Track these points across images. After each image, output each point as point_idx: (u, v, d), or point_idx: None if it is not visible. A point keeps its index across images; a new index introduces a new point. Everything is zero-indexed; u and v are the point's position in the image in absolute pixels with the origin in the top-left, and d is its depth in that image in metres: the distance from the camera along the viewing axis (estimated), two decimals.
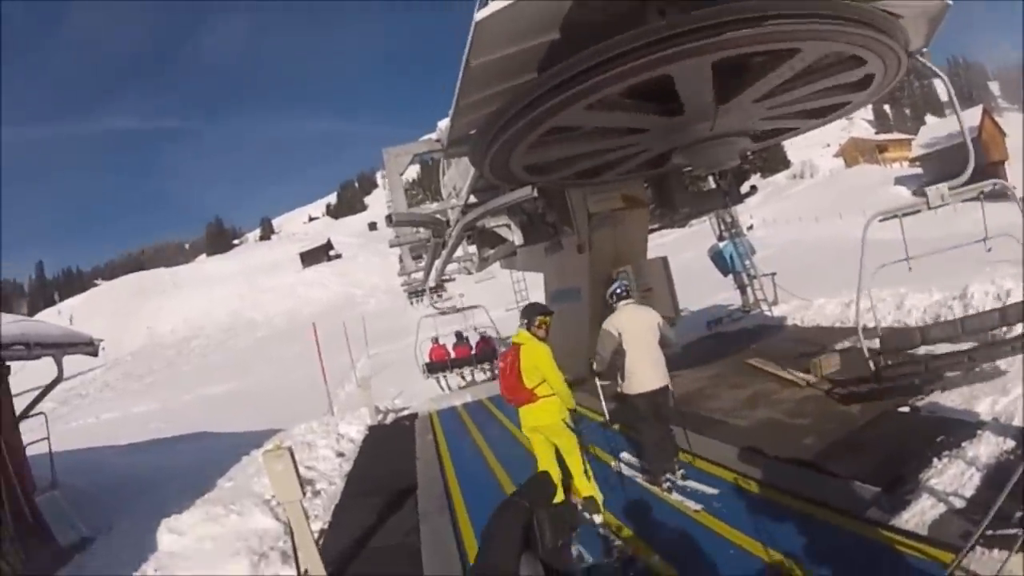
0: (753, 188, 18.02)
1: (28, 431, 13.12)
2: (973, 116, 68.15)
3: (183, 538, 9.89)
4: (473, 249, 21.02)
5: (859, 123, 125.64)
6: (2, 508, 10.69)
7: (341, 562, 8.57)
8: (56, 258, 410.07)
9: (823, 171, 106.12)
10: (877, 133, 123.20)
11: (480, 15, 7.69)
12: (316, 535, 9.14)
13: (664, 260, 15.26)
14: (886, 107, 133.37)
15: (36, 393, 13.39)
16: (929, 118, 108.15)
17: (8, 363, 12.59)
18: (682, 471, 8.78)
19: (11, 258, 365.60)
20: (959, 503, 6.26)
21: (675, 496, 8.32)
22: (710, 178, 17.19)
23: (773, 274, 22.11)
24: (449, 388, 21.50)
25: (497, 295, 25.81)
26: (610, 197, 15.15)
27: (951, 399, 9.11)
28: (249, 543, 9.50)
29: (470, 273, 23.63)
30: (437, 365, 22.54)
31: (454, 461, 12.53)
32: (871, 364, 10.20)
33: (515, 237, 13.76)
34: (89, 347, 14.39)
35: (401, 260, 21.76)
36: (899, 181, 78.68)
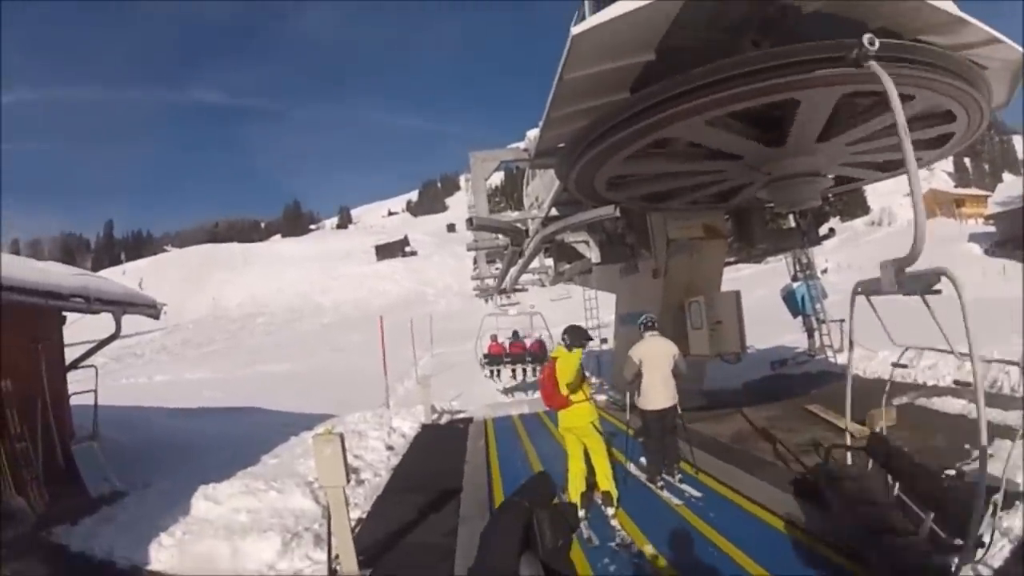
0: (831, 231, 17.66)
1: (76, 382, 13.43)
2: None
3: (218, 506, 9.97)
4: (549, 262, 21.12)
5: (939, 175, 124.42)
6: (35, 451, 11.07)
7: (374, 553, 8.55)
8: (128, 220, 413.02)
9: (900, 220, 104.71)
10: (956, 187, 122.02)
11: (577, 29, 7.71)
12: (353, 524, 9.15)
13: (737, 295, 15.04)
14: (966, 160, 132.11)
15: (89, 346, 13.55)
16: (1006, 175, 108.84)
17: (65, 314, 13.03)
18: (679, 475, 10.52)
19: (82, 213, 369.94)
20: (986, 572, 6.21)
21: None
22: (790, 217, 17.05)
23: (842, 320, 21.45)
24: (500, 379, 22.89)
25: (569, 312, 23.37)
26: (691, 225, 15.03)
27: (997, 467, 8.59)
28: (284, 521, 9.53)
29: (543, 285, 23.65)
30: (493, 358, 24.76)
31: (502, 468, 12.44)
32: None
33: (592, 254, 13.73)
34: (151, 309, 14.72)
35: (476, 263, 21.75)
36: (972, 238, 77.95)
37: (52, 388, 12.24)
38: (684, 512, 9.15)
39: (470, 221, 10.23)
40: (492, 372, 24.83)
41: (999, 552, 6.47)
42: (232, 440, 15.78)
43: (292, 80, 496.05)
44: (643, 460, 11.12)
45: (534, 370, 23.37)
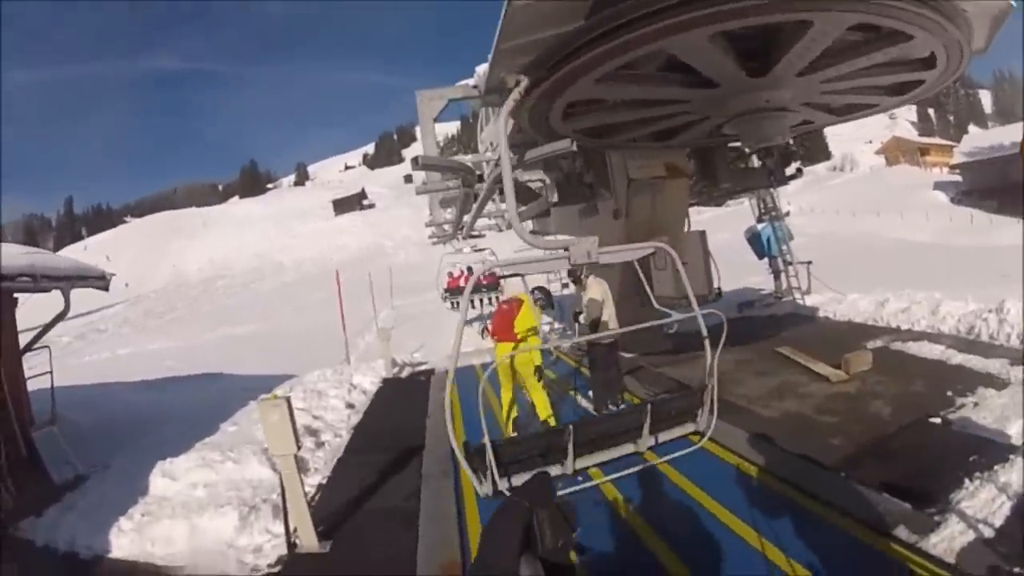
0: (799, 170, 17.18)
1: (36, 366, 12.92)
2: (1016, 132, 65.92)
3: (175, 483, 9.71)
4: (505, 207, 20.76)
5: (903, 123, 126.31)
6: None
7: (334, 522, 8.23)
8: (87, 195, 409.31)
9: (863, 166, 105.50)
10: (920, 135, 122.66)
11: None
12: (313, 490, 9.17)
13: (702, 234, 14.91)
14: (930, 111, 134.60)
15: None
16: (972, 128, 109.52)
17: (16, 295, 12.47)
18: (624, 405, 11.46)
19: (41, 193, 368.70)
20: (988, 532, 5.94)
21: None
22: (753, 157, 16.86)
23: (809, 263, 21.62)
24: (460, 308, 22.04)
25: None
26: (652, 164, 14.60)
27: (983, 415, 8.80)
28: (241, 493, 9.23)
29: (500, 230, 23.24)
30: (452, 291, 27.75)
31: (465, 422, 11.58)
32: None
33: (550, 194, 13.18)
34: (100, 281, 14.16)
35: (431, 211, 21.26)
36: (938, 186, 78.52)
37: (8, 373, 11.65)
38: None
39: (416, 161, 9.56)
40: (452, 304, 27.73)
41: (998, 509, 6.21)
42: (191, 410, 15.49)
43: (243, 41, 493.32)
44: (590, 393, 12.17)
45: (490, 300, 25.93)
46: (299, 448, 7.38)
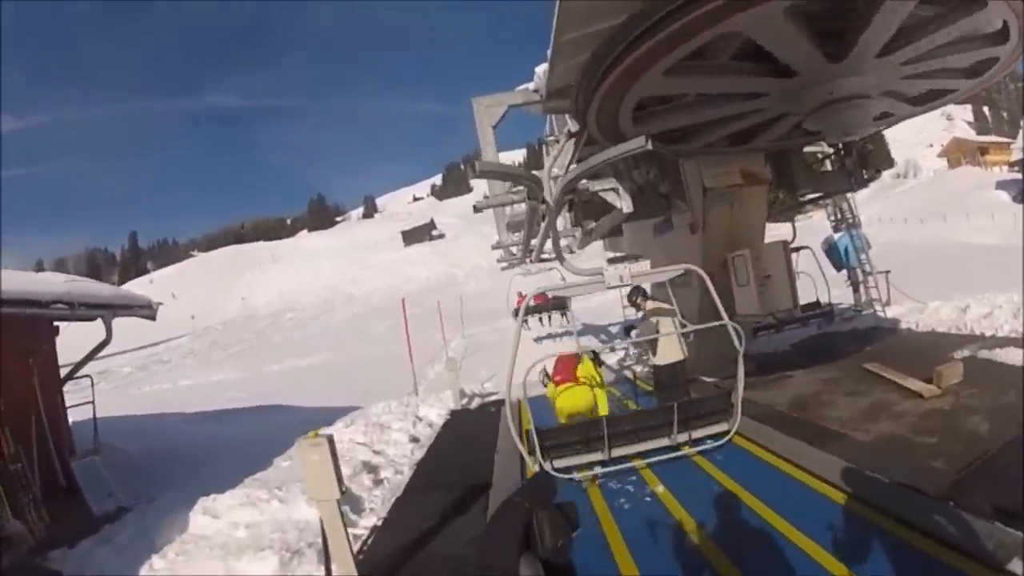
0: (877, 171, 16.13)
1: (99, 394, 13.22)
2: None
3: (216, 521, 9.22)
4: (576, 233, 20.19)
5: (960, 124, 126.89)
6: (32, 471, 10.53)
7: (388, 569, 7.48)
8: (152, 230, 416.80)
9: (926, 171, 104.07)
10: (977, 135, 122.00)
11: None
12: (367, 533, 8.55)
13: (785, 244, 13.98)
14: (985, 109, 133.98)
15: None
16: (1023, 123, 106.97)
17: (57, 323, 12.57)
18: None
19: (105, 227, 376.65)
20: None
21: None
22: (827, 162, 16.16)
23: (887, 272, 20.77)
24: (528, 326, 25.46)
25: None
26: (728, 171, 13.62)
27: None
28: (286, 536, 8.61)
29: (572, 252, 22.52)
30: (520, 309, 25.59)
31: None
32: None
33: (623, 204, 12.13)
34: (146, 310, 14.02)
35: (498, 232, 20.41)
36: (1000, 185, 76.44)
37: (47, 403, 11.68)
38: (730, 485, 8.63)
39: (474, 167, 8.65)
40: (523, 321, 26.62)
41: None
42: (246, 442, 15.22)
43: (306, 75, 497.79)
44: None
45: (550, 317, 30.09)
46: (343, 492, 6.55)
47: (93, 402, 12.96)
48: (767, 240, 15.05)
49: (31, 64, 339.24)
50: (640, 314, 12.83)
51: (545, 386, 11.29)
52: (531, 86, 12.12)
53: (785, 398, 12.51)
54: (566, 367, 10.79)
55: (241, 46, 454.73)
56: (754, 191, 14.18)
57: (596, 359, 11.52)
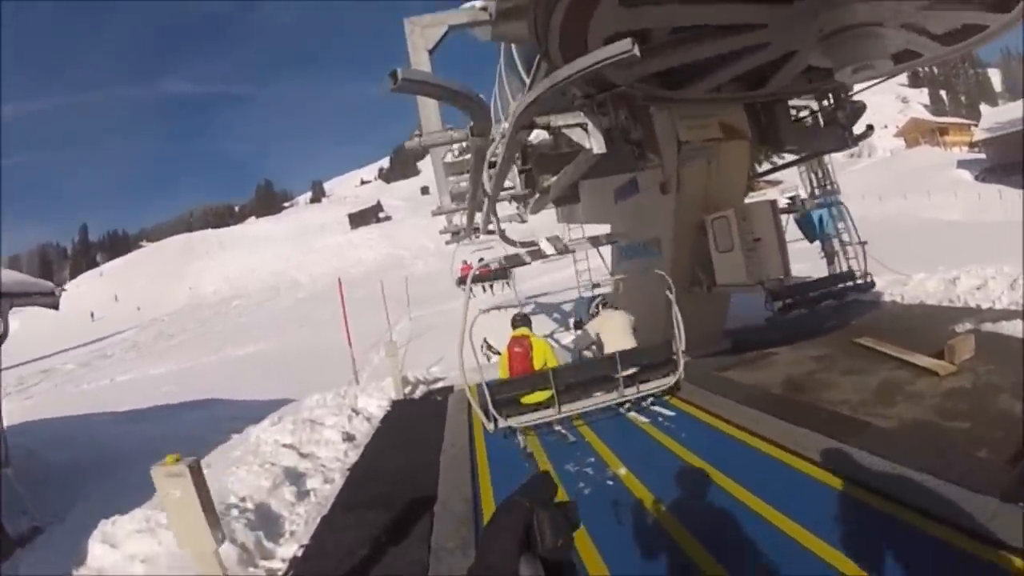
0: (869, 127, 14.46)
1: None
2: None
3: (115, 551, 8.03)
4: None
5: (916, 107, 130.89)
6: None
7: None
8: (102, 222, 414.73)
9: (881, 151, 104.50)
10: (933, 116, 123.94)
11: None
12: (284, 567, 7.12)
13: (772, 204, 12.51)
14: (942, 92, 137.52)
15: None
16: (983, 107, 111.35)
17: None
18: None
19: (55, 221, 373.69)
20: None
21: None
22: (809, 118, 14.23)
23: (864, 242, 18.77)
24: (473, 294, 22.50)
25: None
26: (705, 123, 11.96)
27: None
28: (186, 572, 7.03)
29: (523, 221, 20.88)
30: (465, 277, 25.39)
31: (491, 459, 9.79)
32: None
33: (593, 143, 10.08)
34: (47, 297, 12.36)
35: (439, 195, 18.57)
36: (961, 164, 77.72)
37: None
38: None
39: (394, 77, 6.17)
40: (463, 288, 27.54)
41: None
42: (167, 444, 12.23)
43: (253, 62, 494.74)
44: None
45: (502, 286, 30.87)
46: (222, 541, 4.79)
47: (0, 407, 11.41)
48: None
49: None
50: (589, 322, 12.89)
51: (488, 359, 12.45)
52: (478, 3, 10.11)
53: (775, 379, 11.39)
54: (522, 362, 10.95)
55: (189, 33, 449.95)
56: (734, 146, 12.57)
57: (528, 323, 11.71)
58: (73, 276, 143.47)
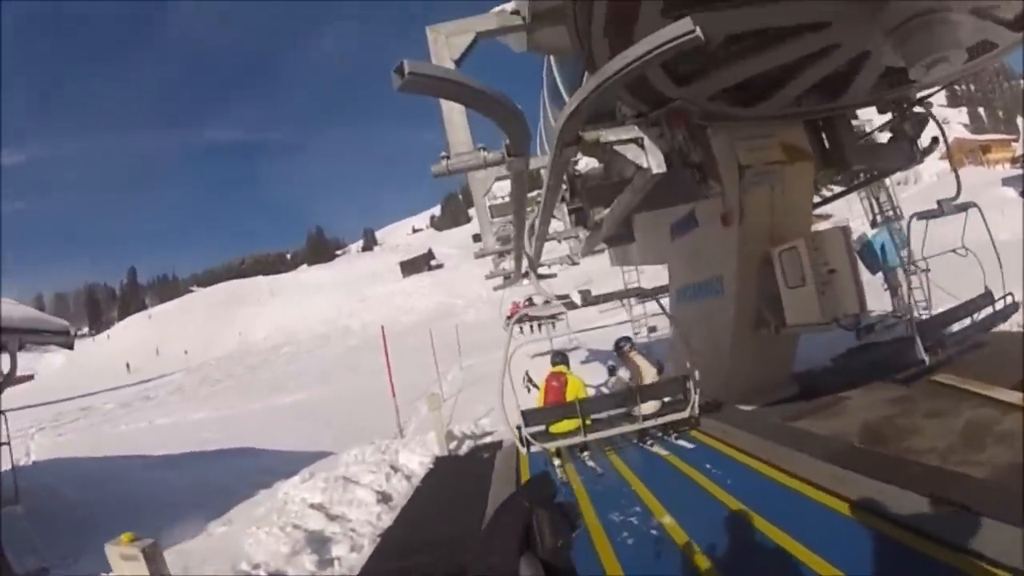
0: (934, 140, 13.29)
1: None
2: None
3: None
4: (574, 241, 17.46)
5: (955, 127, 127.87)
6: None
7: None
8: (152, 266, 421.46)
9: (927, 176, 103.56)
10: (973, 135, 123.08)
11: None
12: None
13: (845, 231, 11.27)
14: (980, 110, 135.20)
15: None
16: (1020, 120, 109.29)
17: None
18: None
19: (106, 263, 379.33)
20: None
21: None
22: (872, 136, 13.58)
23: (927, 271, 17.26)
24: (522, 333, 26.80)
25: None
26: (766, 146, 11.04)
27: None
28: None
29: (574, 263, 19.93)
30: (513, 316, 27.54)
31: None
32: None
33: (650, 161, 8.79)
34: (61, 337, 12.28)
35: (481, 232, 17.43)
36: (1006, 182, 74.33)
37: None
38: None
39: (400, 71, 5.02)
40: (517, 328, 27.37)
41: None
42: (195, 494, 13.90)
43: (303, 110, 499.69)
44: None
45: (551, 326, 31.20)
46: None
47: (8, 443, 11.34)
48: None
49: (33, 97, 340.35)
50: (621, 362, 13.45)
51: (529, 391, 12.91)
52: (509, 6, 9.03)
53: (852, 426, 10.23)
54: (557, 395, 11.77)
55: (237, 80, 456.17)
56: (798, 169, 11.57)
57: (566, 360, 12.80)
58: (121, 318, 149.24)
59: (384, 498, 11.23)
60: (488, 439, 16.17)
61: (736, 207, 11.52)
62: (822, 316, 10.81)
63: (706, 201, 11.92)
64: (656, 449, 11.21)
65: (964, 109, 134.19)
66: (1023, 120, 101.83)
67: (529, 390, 12.81)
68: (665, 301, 16.05)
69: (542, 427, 11.10)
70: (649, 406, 11.28)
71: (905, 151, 12.23)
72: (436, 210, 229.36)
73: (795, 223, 11.85)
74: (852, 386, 12.33)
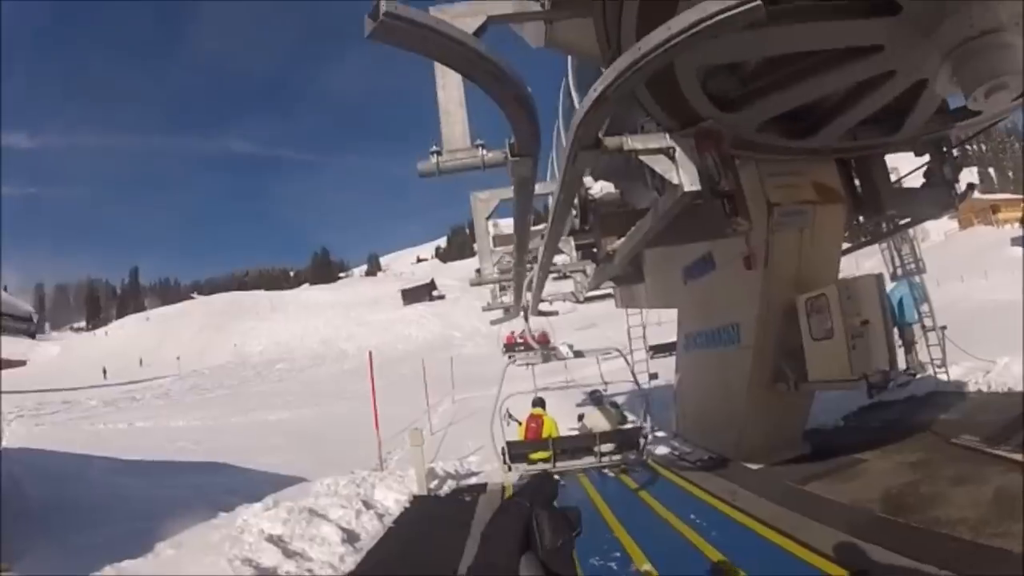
0: (971, 185, 12.38)
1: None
2: None
3: None
4: (583, 274, 16.66)
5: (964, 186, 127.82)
6: None
7: None
8: (155, 268, 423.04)
9: (935, 234, 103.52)
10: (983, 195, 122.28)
11: None
12: None
13: (878, 279, 10.45)
14: (990, 170, 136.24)
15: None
16: None
17: None
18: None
19: (108, 259, 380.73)
20: None
21: None
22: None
23: (944, 327, 17.30)
24: (515, 359, 22.45)
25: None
26: (797, 184, 10.23)
27: None
28: None
29: (578, 300, 19.22)
30: (508, 346, 32.82)
31: None
32: None
33: (682, 177, 7.64)
34: (21, 323, 11.80)
35: (480, 260, 16.55)
36: (1015, 242, 74.66)
37: None
38: None
39: (375, 13, 4.27)
40: (509, 356, 25.95)
41: None
42: (157, 508, 12.36)
43: (323, 130, 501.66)
44: None
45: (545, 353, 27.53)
46: None
47: None
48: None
49: (56, 83, 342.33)
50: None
51: (508, 424, 14.97)
52: None
53: (872, 492, 9.31)
54: (536, 431, 14.67)
55: (260, 93, 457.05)
56: (830, 211, 10.69)
57: (543, 404, 15.59)
58: (119, 316, 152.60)
59: (351, 537, 10.24)
60: (473, 479, 15.53)
61: (761, 249, 10.63)
62: (851, 372, 9.71)
63: (725, 242, 11.12)
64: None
65: (975, 169, 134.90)
66: None
67: (508, 423, 14.98)
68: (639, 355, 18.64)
69: (522, 453, 13.58)
70: (607, 447, 13.47)
71: (941, 197, 11.37)
72: (442, 241, 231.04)
73: (823, 270, 10.97)
74: (867, 447, 11.54)
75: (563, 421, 16.26)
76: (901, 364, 17.11)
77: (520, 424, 15.37)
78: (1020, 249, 67.82)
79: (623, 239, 10.26)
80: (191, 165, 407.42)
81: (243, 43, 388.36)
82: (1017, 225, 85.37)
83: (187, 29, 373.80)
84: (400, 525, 11.48)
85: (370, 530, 10.84)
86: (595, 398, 16.64)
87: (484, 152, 6.73)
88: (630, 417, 16.66)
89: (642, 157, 7.07)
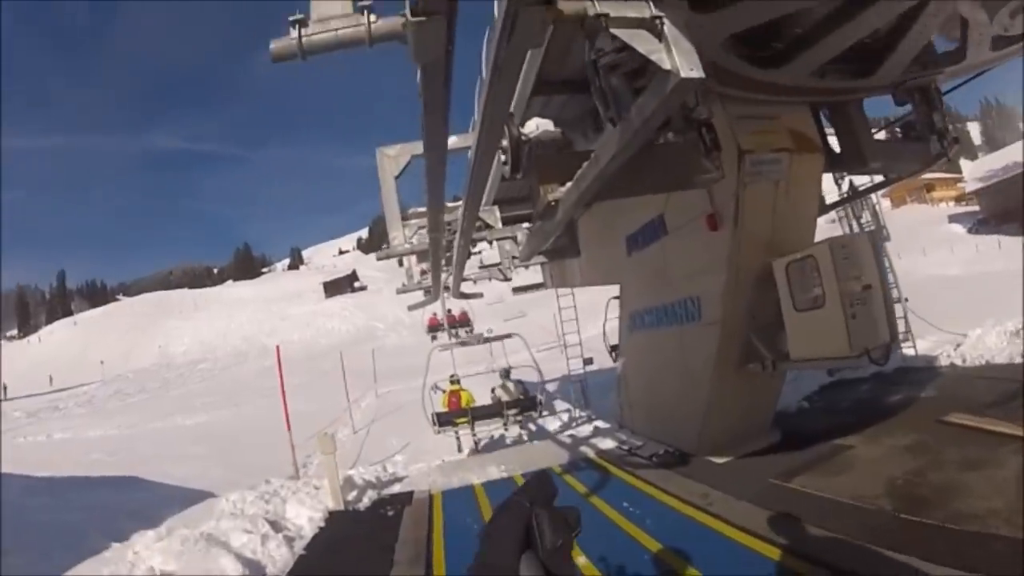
0: (956, 140, 11.06)
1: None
2: (1013, 153, 68.25)
3: None
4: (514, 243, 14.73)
5: None
6: None
7: None
8: (81, 269, 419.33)
9: (867, 212, 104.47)
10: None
11: None
12: None
13: (875, 236, 9.83)
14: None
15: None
16: (963, 162, 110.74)
17: None
18: None
19: (36, 264, 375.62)
20: None
21: None
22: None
23: (905, 299, 16.66)
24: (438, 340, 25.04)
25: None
26: (771, 130, 8.78)
27: None
28: None
29: (505, 278, 17.36)
30: (432, 328, 31.05)
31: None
32: None
33: (678, 59, 4.37)
34: None
35: (390, 231, 14.19)
36: (953, 219, 78.62)
37: None
38: None
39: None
40: (432, 337, 29.59)
41: None
42: (54, 536, 11.73)
43: (242, 125, 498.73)
44: None
45: (466, 331, 29.98)
46: None
47: None
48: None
49: None
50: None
51: (434, 392, 18.26)
52: None
53: (873, 486, 8.06)
54: (455, 401, 18.28)
55: (178, 90, 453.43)
56: (806, 161, 9.25)
57: (458, 381, 19.34)
58: (48, 321, 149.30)
59: (253, 571, 8.67)
60: (396, 487, 13.99)
61: (729, 205, 9.04)
62: (850, 347, 8.04)
63: (679, 203, 9.99)
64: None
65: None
66: (967, 163, 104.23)
67: (435, 392, 18.50)
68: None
69: (448, 420, 16.76)
70: (511, 412, 16.80)
71: (925, 151, 10.23)
72: (364, 232, 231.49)
73: (799, 231, 9.54)
74: (845, 431, 10.53)
75: (485, 395, 19.57)
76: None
77: (444, 393, 18.96)
78: (957, 226, 72.03)
79: (569, 185, 8.12)
80: (114, 163, 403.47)
81: (162, 39, 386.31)
82: (951, 203, 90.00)
83: (104, 28, 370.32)
84: (312, 552, 9.89)
85: (277, 559, 9.30)
86: (503, 374, 19.89)
87: (372, 19, 4.50)
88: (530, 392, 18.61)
89: (615, 31, 5.03)
